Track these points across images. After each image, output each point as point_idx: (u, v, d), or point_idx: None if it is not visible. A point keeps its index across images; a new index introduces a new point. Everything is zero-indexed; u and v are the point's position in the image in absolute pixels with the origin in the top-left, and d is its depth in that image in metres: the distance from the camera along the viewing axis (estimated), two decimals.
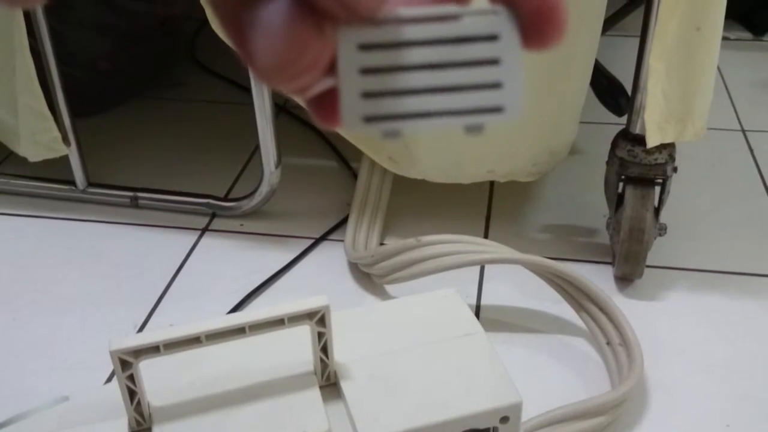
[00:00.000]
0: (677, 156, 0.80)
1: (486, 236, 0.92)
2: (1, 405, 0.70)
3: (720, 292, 0.83)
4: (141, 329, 0.80)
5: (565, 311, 0.78)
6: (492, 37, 0.23)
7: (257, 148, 0.91)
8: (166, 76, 1.26)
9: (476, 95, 0.24)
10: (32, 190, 1.01)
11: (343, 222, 0.93)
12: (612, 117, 0.99)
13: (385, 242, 0.90)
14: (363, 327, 0.62)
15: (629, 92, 0.80)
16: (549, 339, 0.77)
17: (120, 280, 0.87)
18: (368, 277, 0.84)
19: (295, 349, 0.57)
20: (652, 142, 0.77)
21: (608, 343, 0.73)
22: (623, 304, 0.77)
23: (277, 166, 0.92)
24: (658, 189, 0.81)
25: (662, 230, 0.83)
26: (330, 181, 1.03)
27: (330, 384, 0.57)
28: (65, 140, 0.95)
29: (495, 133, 0.85)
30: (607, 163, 0.84)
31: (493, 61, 0.23)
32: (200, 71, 1.30)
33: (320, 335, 0.54)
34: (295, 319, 0.53)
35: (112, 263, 0.90)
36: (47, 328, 0.80)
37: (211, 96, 1.24)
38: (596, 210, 0.92)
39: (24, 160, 0.98)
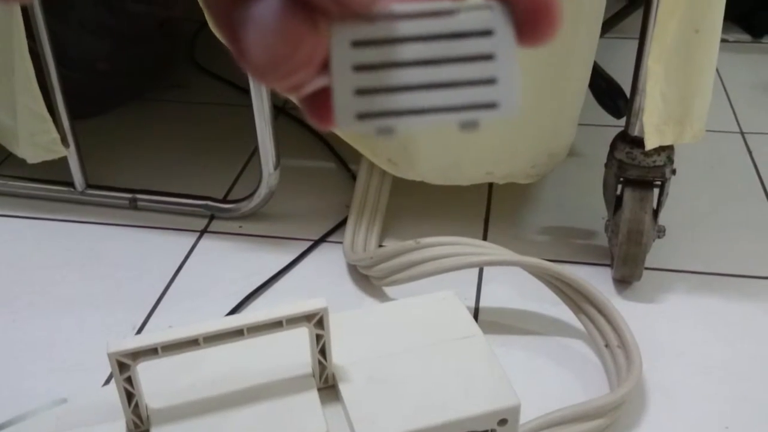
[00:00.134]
0: (676, 158, 0.80)
1: (485, 238, 0.92)
2: None
3: (719, 294, 0.83)
4: (140, 331, 0.80)
5: (564, 313, 0.78)
6: (486, 33, 0.23)
7: (256, 149, 0.91)
8: (165, 77, 1.25)
9: (471, 91, 0.23)
10: (31, 192, 1.01)
11: (342, 224, 0.93)
12: (611, 119, 0.99)
13: (383, 244, 0.90)
14: (361, 329, 0.62)
15: (628, 94, 0.80)
16: (547, 341, 0.77)
17: (119, 281, 0.87)
18: (367, 278, 0.84)
19: (293, 351, 0.57)
20: (650, 144, 0.77)
21: (607, 346, 0.73)
22: (622, 306, 0.77)
23: (275, 168, 0.92)
24: (656, 191, 0.81)
25: (661, 232, 0.83)
26: (329, 182, 1.03)
27: (328, 386, 0.57)
28: (64, 142, 0.95)
29: (494, 134, 0.85)
30: (606, 165, 0.84)
31: (488, 57, 0.23)
32: (199, 73, 1.30)
33: (318, 337, 0.54)
34: (294, 321, 0.53)
35: (110, 265, 0.90)
36: (46, 329, 0.80)
37: (210, 98, 1.24)
38: (595, 212, 0.92)
39: (23, 161, 0.98)
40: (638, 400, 0.70)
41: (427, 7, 0.23)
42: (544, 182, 1.01)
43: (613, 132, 0.83)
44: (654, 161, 0.79)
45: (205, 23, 0.91)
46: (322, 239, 0.92)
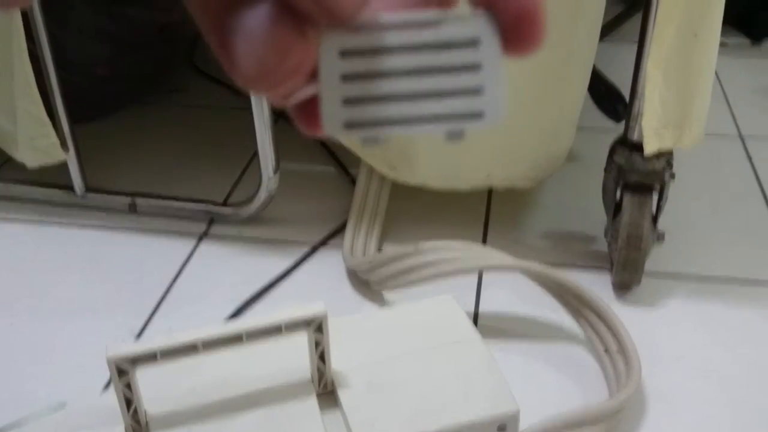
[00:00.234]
0: (675, 163, 0.80)
1: (484, 243, 0.92)
2: None
3: (718, 300, 0.83)
4: (139, 335, 0.80)
5: (563, 318, 0.78)
6: (472, 43, 0.23)
7: (256, 153, 0.91)
8: (164, 82, 1.26)
9: (457, 101, 0.23)
10: (30, 196, 1.01)
11: (342, 228, 0.93)
12: (610, 123, 1.00)
13: (383, 248, 0.90)
14: (361, 334, 0.62)
15: (627, 99, 0.80)
16: (547, 346, 0.77)
17: (118, 285, 0.87)
18: (366, 283, 0.84)
19: (292, 356, 0.57)
20: (649, 148, 0.77)
21: (606, 351, 0.73)
22: (621, 311, 0.77)
23: (275, 172, 0.92)
24: (656, 196, 0.81)
25: (660, 237, 0.83)
26: (328, 187, 1.03)
27: (327, 392, 0.57)
28: (63, 146, 0.95)
29: (493, 138, 0.85)
30: (605, 169, 0.84)
31: (474, 67, 0.23)
32: (199, 77, 1.30)
33: (317, 343, 0.54)
34: (293, 327, 0.53)
35: (110, 269, 0.90)
36: (45, 333, 0.80)
37: (209, 102, 1.24)
38: (594, 217, 0.92)
39: (22, 165, 0.98)
40: (637, 405, 0.70)
41: (413, 18, 0.23)
42: (543, 186, 1.01)
43: (613, 136, 0.83)
44: (653, 166, 0.79)
45: None
46: (322, 243, 0.92)
